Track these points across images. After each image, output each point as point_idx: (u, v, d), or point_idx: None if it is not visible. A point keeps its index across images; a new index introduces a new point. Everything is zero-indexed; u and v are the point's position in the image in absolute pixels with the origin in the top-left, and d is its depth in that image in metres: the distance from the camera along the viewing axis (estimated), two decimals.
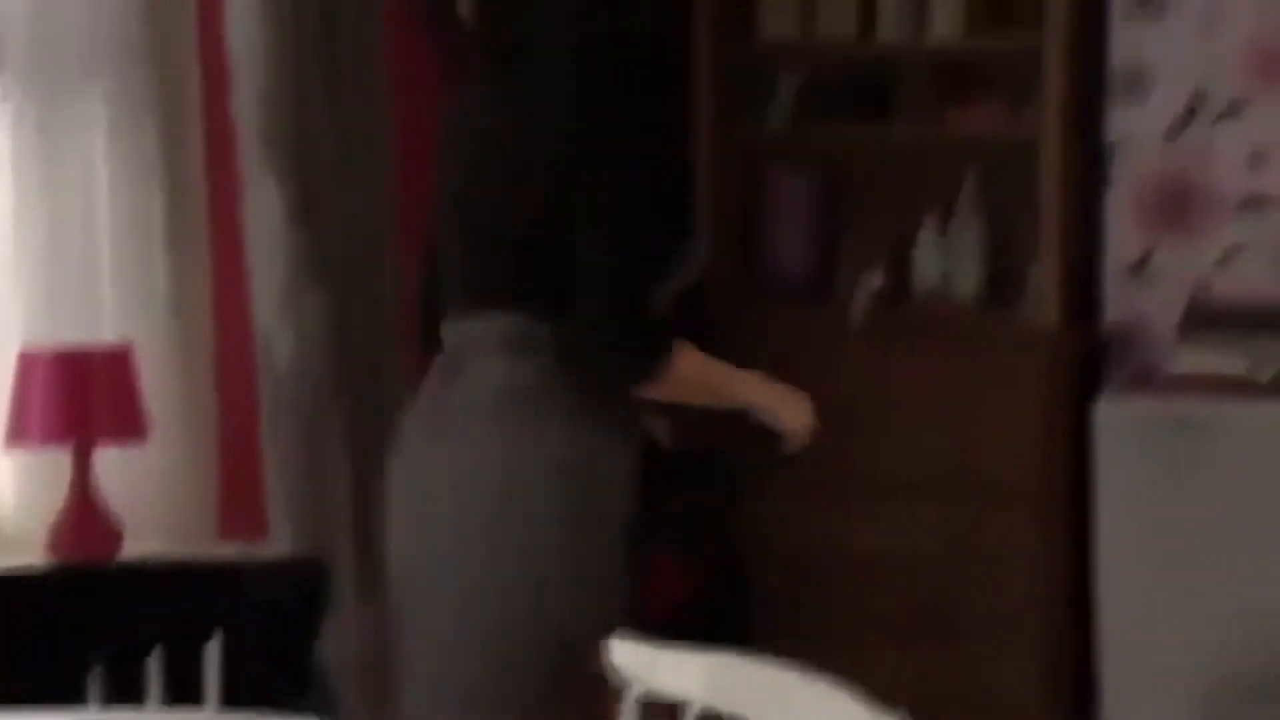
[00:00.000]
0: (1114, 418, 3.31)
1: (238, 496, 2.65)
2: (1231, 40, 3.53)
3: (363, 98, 2.62)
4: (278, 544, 2.57)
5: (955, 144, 3.78)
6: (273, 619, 2.01)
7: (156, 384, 2.57)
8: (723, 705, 1.52)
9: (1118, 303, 3.68)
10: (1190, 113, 3.59)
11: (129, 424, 2.43)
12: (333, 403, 2.57)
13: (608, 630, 1.79)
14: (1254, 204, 3.56)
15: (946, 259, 3.81)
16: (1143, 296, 3.65)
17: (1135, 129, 3.64)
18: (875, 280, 3.84)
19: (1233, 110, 3.55)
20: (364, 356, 2.60)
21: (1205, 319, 3.46)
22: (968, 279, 3.79)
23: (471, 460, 2.03)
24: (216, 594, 2.00)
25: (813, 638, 3.54)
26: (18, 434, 2.42)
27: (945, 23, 3.71)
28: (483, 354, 2.07)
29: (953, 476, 3.61)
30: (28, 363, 2.41)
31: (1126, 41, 3.61)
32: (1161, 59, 3.59)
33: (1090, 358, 3.68)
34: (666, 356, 2.09)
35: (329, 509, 2.55)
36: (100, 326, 2.54)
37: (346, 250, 2.57)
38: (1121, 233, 3.68)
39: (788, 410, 2.21)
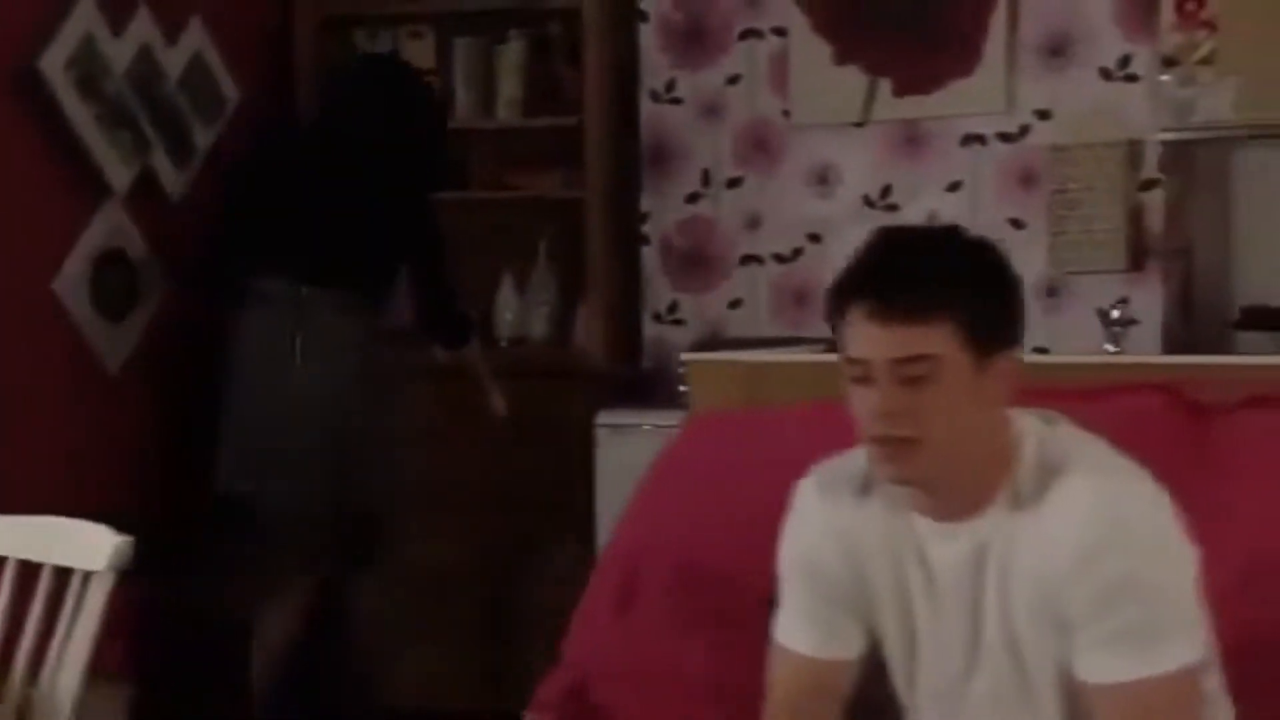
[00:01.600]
0: (609, 429, 3.84)
1: None
2: (730, 127, 4.13)
3: None
4: None
5: (520, 207, 4.31)
6: None
7: None
8: None
9: (654, 341, 4.23)
10: (703, 184, 4.17)
11: None
12: None
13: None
14: (751, 260, 4.15)
15: (522, 307, 4.32)
16: (674, 335, 4.20)
17: (663, 197, 4.20)
18: None
19: (733, 183, 4.15)
20: None
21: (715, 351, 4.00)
22: (539, 324, 4.30)
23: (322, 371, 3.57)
24: None
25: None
26: None
27: (506, 107, 4.25)
28: (323, 311, 3.56)
29: (514, 494, 4.09)
30: None
31: (653, 124, 4.19)
32: (680, 140, 4.17)
33: (635, 387, 4.22)
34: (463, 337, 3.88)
35: None
36: None
37: None
38: (655, 283, 4.23)
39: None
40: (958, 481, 1.73)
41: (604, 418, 3.93)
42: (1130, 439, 1.97)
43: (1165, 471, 2.02)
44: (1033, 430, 1.75)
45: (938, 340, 1.66)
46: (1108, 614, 1.65)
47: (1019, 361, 1.74)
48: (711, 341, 4.06)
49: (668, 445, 2.56)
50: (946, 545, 1.75)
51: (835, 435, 1.82)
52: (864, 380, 1.69)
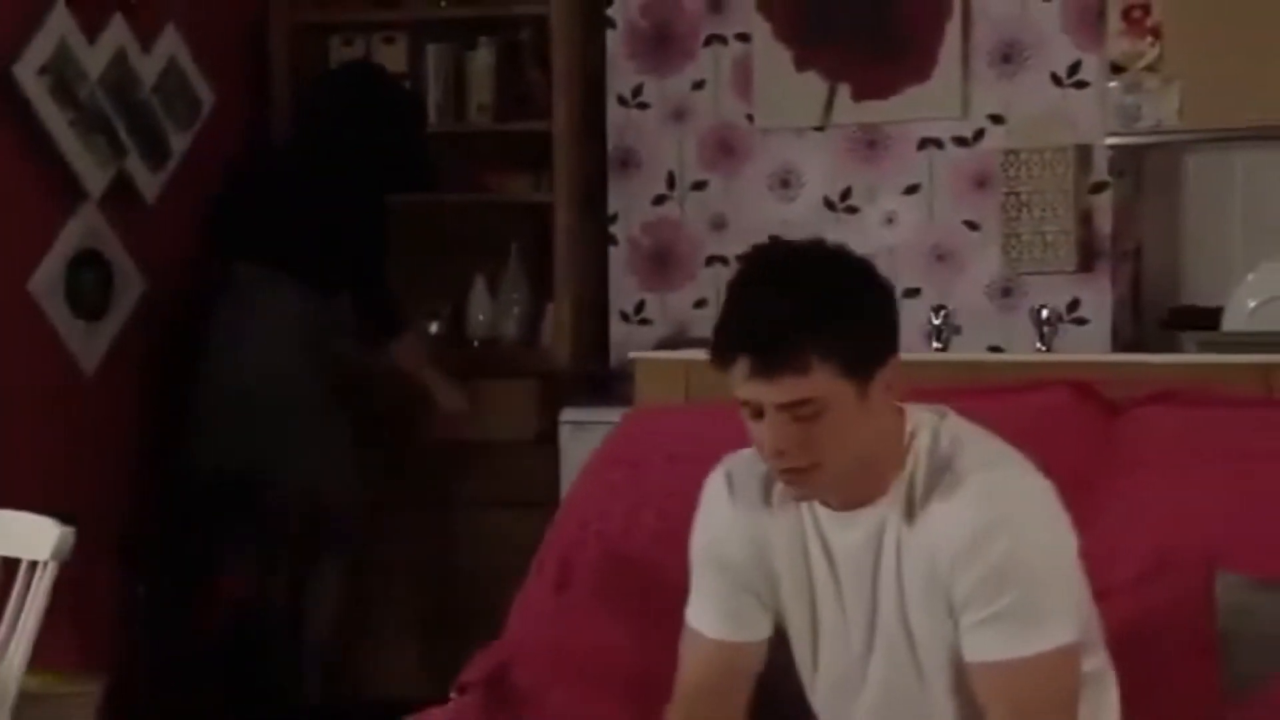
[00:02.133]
0: (572, 423, 3.91)
1: None
2: (695, 131, 4.18)
3: None
4: None
5: (492, 210, 4.37)
6: None
7: None
8: None
9: (620, 340, 4.28)
10: (669, 187, 4.23)
11: None
12: None
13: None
14: (716, 261, 4.20)
15: (494, 308, 4.38)
16: (640, 335, 4.25)
17: (630, 200, 4.26)
18: (434, 326, 4.40)
19: (698, 186, 4.20)
20: None
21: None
22: (510, 325, 4.36)
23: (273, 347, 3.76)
24: None
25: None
26: None
27: (477, 112, 4.31)
28: (282, 293, 3.76)
29: (481, 492, 4.14)
30: None
31: (620, 128, 4.24)
32: (646, 143, 4.23)
33: (601, 385, 4.27)
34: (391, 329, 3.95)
35: None
36: None
37: None
38: (622, 284, 4.29)
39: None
40: (856, 481, 1.80)
41: (567, 414, 3.99)
42: (1040, 434, 2.03)
43: (1073, 465, 2.08)
44: (926, 424, 1.81)
45: (819, 383, 1.72)
46: (991, 596, 1.71)
47: (898, 365, 1.79)
48: (676, 340, 4.11)
49: (606, 437, 2.61)
50: (846, 533, 1.81)
51: None
52: (757, 415, 1.76)
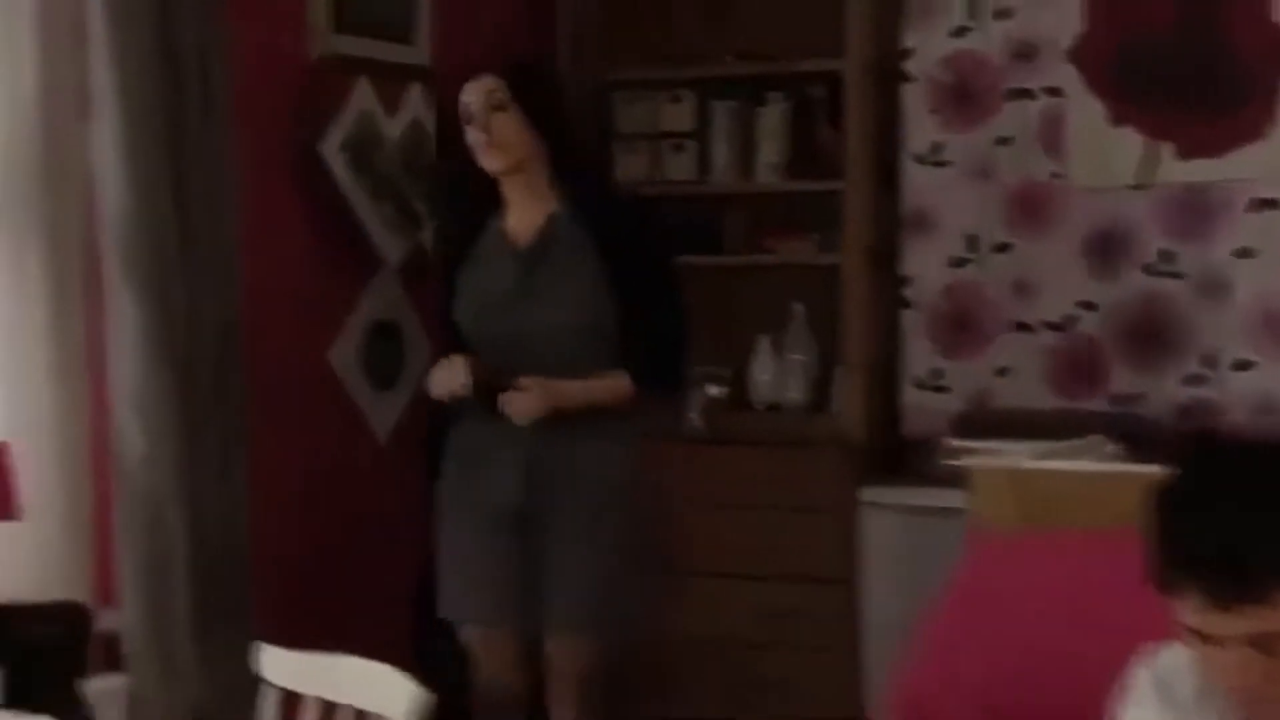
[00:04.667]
0: (874, 505, 3.56)
1: (104, 571, 2.90)
2: (998, 190, 3.80)
3: (213, 224, 2.87)
4: (130, 611, 2.80)
5: (776, 271, 4.06)
6: (40, 656, 2.23)
7: (39, 472, 2.83)
8: None
9: (914, 408, 3.92)
10: (969, 248, 3.85)
11: (3, 506, 2.68)
12: (176, 492, 2.80)
13: None
14: (1021, 328, 3.81)
15: (778, 373, 4.07)
16: (936, 403, 3.89)
17: (925, 262, 3.90)
18: (714, 391, 4.11)
19: (1001, 248, 3.82)
20: (207, 449, 2.83)
21: (979, 424, 3.69)
22: (796, 390, 4.04)
23: None
24: None
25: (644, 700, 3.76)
26: None
27: (765, 170, 4.00)
28: None
29: (771, 563, 3.83)
30: None
31: (916, 186, 3.89)
32: (944, 203, 3.86)
33: (891, 457, 3.92)
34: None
35: (169, 582, 2.79)
36: None
37: (193, 354, 2.81)
38: (917, 350, 3.93)
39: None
40: None
41: (867, 494, 3.64)
42: None
43: None
44: None
45: None
46: None
47: None
48: (979, 413, 3.74)
49: (954, 574, 2.28)
50: None
51: (1132, 569, 1.54)
52: (1210, 641, 1.47)
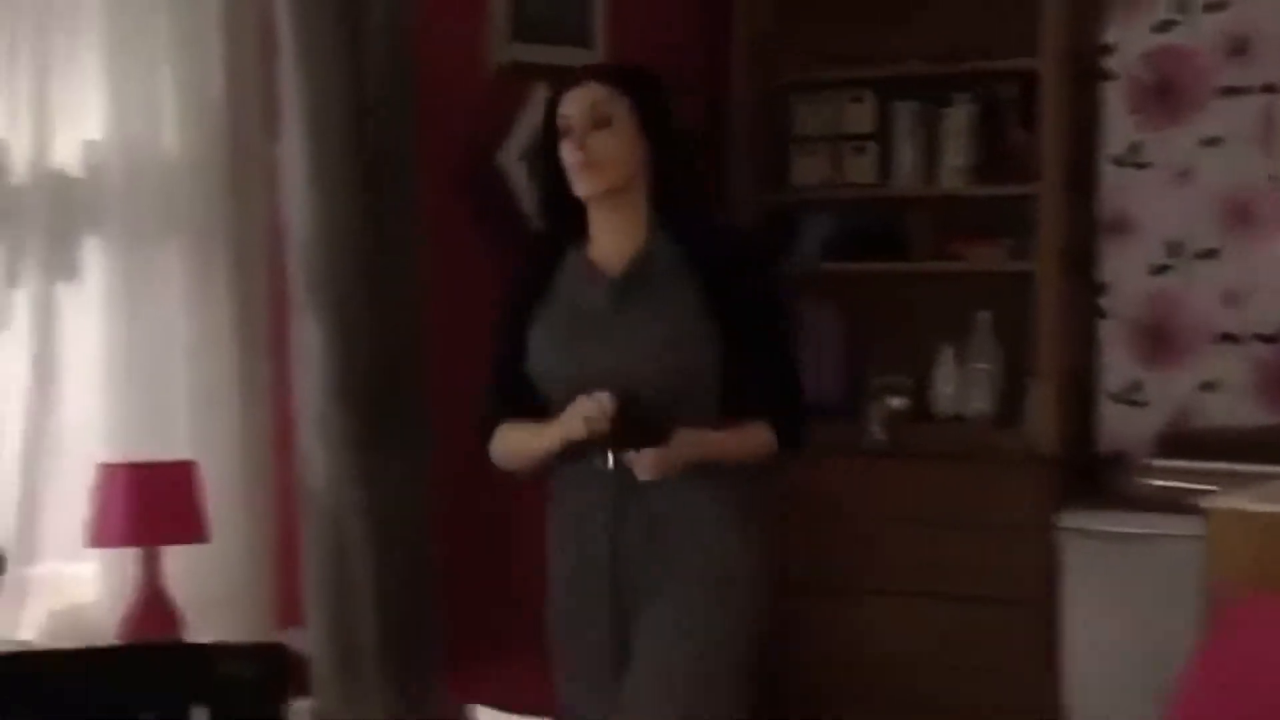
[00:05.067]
0: (1076, 530, 3.35)
1: (286, 591, 2.84)
2: (1204, 193, 3.56)
3: (397, 253, 2.80)
4: (315, 633, 2.74)
5: (960, 279, 3.86)
6: (242, 694, 2.18)
7: (222, 494, 2.78)
8: None
9: (1111, 422, 3.70)
10: (1171, 254, 3.62)
11: (191, 529, 2.63)
12: (362, 514, 2.73)
13: None
14: (1228, 339, 3.57)
15: (962, 383, 3.88)
16: (1133, 419, 3.67)
17: (1124, 269, 3.68)
18: (896, 402, 3.93)
19: (1206, 254, 3.58)
20: (391, 470, 2.76)
21: (1183, 442, 3.47)
22: (981, 401, 3.85)
23: None
24: (194, 673, 2.13)
25: None
26: (97, 536, 2.64)
27: (950, 174, 3.81)
28: None
29: (957, 582, 3.66)
30: (105, 474, 2.63)
31: (1115, 190, 3.66)
32: (1145, 207, 3.64)
33: (1085, 473, 3.71)
34: None
35: (354, 604, 2.72)
36: (176, 445, 2.75)
37: (375, 380, 2.74)
38: (1114, 361, 3.71)
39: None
40: None
41: (1068, 519, 3.43)
42: None
43: None
44: None
45: None
46: None
47: None
48: (1181, 430, 3.51)
49: (1205, 642, 2.08)
50: None
51: None
52: None
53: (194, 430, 2.79)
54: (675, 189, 2.43)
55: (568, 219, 2.44)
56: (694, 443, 2.32)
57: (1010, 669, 3.52)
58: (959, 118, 3.76)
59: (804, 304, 3.93)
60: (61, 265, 2.66)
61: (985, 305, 3.81)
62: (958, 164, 3.77)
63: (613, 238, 2.43)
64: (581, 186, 2.38)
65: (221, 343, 2.78)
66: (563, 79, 2.44)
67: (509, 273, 2.55)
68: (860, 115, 3.87)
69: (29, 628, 2.63)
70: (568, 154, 2.38)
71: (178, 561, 2.68)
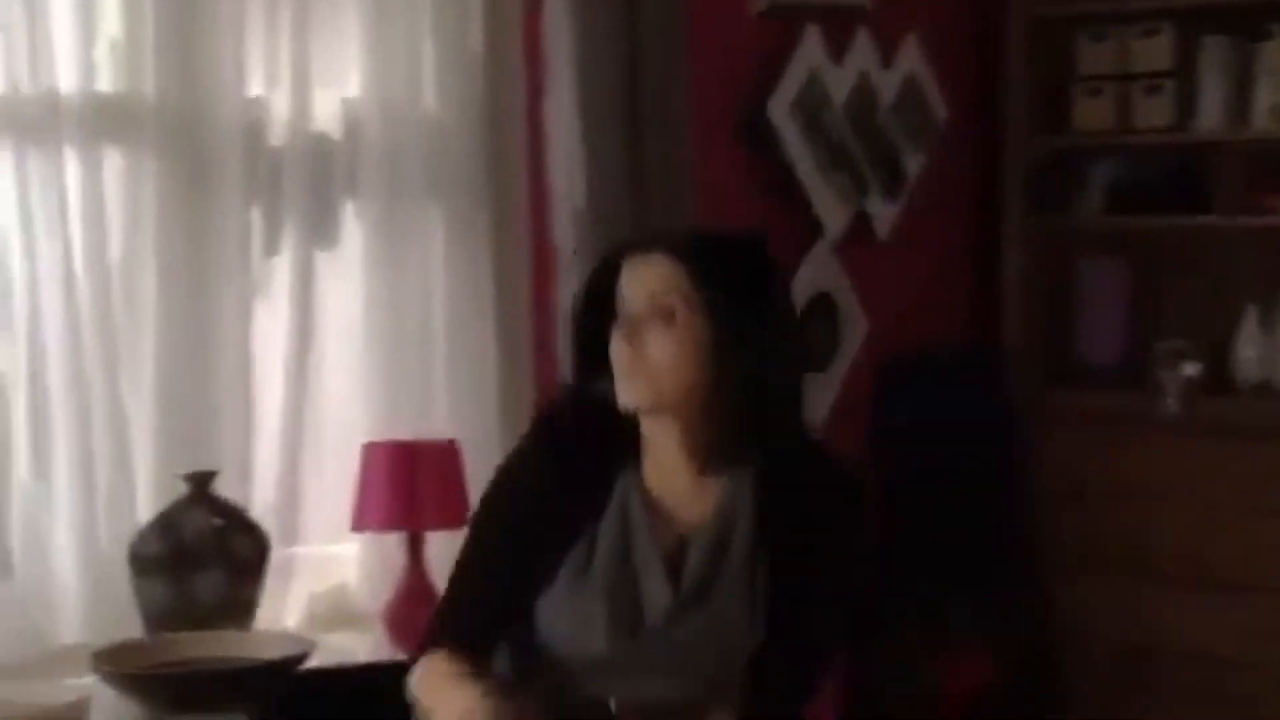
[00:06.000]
0: None
1: None
2: None
3: (666, 210, 2.59)
4: None
5: (1274, 234, 3.46)
6: None
7: (484, 476, 2.61)
8: None
9: None
10: None
11: (454, 513, 2.47)
12: None
13: None
14: None
15: (1269, 350, 3.49)
16: None
17: None
18: (1191, 369, 3.56)
19: None
20: None
21: None
22: None
23: None
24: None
25: None
26: (361, 519, 2.49)
27: (1265, 116, 3.40)
28: None
29: (1270, 574, 3.30)
30: (370, 454, 2.48)
31: None
32: None
33: None
34: None
35: None
36: (435, 423, 2.58)
37: None
38: None
39: None
40: None
41: None
42: None
43: None
44: None
45: None
46: None
47: None
48: None
49: None
50: None
51: None
52: None
53: (453, 405, 2.62)
54: (754, 420, 1.76)
55: (613, 422, 1.79)
56: None
57: None
58: (1275, 53, 3.35)
59: (1083, 258, 3.61)
60: (321, 231, 2.52)
61: None
62: (1272, 105, 3.36)
63: (670, 466, 1.80)
64: (623, 394, 1.76)
65: (483, 311, 2.61)
66: (631, 242, 1.80)
67: (770, 225, 2.15)
68: (1155, 50, 3.48)
69: (293, 610, 2.51)
70: (613, 348, 1.77)
71: (437, 546, 2.52)
